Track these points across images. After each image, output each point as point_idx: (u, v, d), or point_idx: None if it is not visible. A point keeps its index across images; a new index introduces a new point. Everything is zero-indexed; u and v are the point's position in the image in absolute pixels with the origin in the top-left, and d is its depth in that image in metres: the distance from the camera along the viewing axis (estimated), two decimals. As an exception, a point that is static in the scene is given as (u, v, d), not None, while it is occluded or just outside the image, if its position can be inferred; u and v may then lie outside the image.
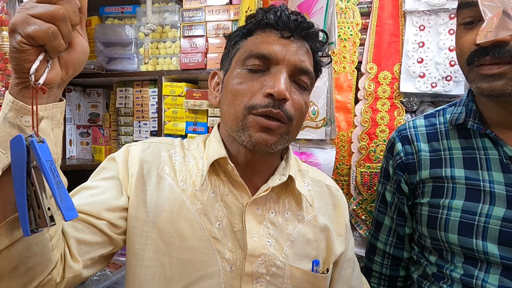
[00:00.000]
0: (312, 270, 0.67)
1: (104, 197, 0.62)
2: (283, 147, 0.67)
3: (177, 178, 0.67)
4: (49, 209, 0.43)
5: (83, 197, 0.62)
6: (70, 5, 0.43)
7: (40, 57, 0.42)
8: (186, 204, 0.64)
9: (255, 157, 0.67)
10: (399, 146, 0.83)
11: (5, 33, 1.10)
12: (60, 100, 0.49)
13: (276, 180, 0.68)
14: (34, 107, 0.43)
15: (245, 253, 0.62)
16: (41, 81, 0.43)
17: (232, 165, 0.65)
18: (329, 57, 0.74)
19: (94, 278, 1.20)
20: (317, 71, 0.72)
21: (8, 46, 1.06)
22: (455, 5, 0.82)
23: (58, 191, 0.42)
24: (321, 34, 0.71)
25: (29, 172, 0.43)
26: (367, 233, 1.16)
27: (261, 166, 0.70)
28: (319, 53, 0.71)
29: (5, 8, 1.09)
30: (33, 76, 0.42)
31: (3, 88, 1.08)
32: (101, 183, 0.65)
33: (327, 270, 0.69)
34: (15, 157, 0.42)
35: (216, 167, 0.68)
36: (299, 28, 0.65)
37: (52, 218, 0.43)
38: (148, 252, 0.62)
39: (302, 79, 0.66)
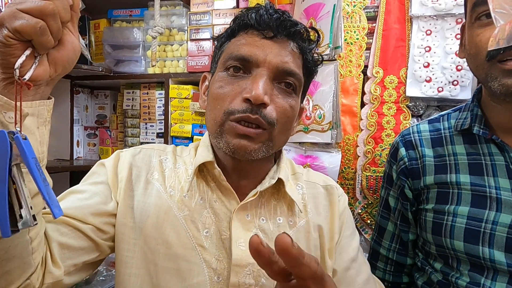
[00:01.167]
0: None
1: (92, 201, 0.61)
2: (267, 154, 0.62)
3: (165, 184, 0.65)
4: (31, 208, 0.41)
5: (71, 200, 0.60)
6: (61, 1, 0.42)
7: (27, 52, 0.41)
8: (173, 210, 0.62)
9: (242, 163, 0.64)
10: (402, 151, 0.83)
11: None
12: (49, 98, 0.48)
13: (265, 184, 0.65)
14: (18, 103, 0.42)
15: (231, 261, 0.59)
16: (26, 76, 0.42)
17: (219, 169, 0.63)
18: (320, 56, 0.69)
19: (100, 278, 1.21)
20: (309, 71, 0.68)
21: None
22: (461, 10, 0.81)
23: (46, 189, 0.41)
24: (312, 32, 0.67)
25: (10, 170, 0.40)
26: (371, 238, 1.15)
27: (250, 171, 0.67)
28: (309, 52, 0.66)
29: None
30: (17, 70, 0.41)
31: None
32: (90, 187, 0.63)
33: None
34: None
35: (204, 172, 0.66)
36: (281, 27, 0.62)
37: (34, 218, 0.41)
38: (136, 260, 0.61)
39: (287, 81, 0.62)
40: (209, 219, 0.63)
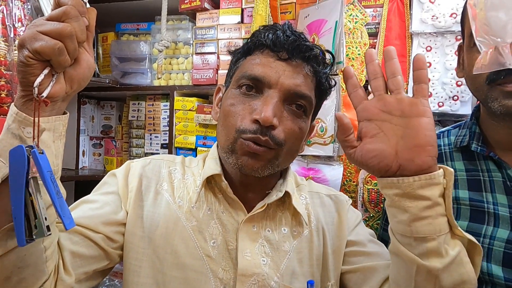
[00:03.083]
0: None
1: (103, 211, 0.62)
2: (273, 171, 0.64)
3: (174, 195, 0.67)
4: (45, 218, 0.43)
5: (83, 210, 0.62)
6: (78, 23, 0.44)
7: (45, 71, 0.44)
8: (182, 220, 0.64)
9: (249, 177, 0.65)
10: (404, 166, 0.84)
11: None
12: (64, 113, 0.50)
13: (272, 196, 0.66)
14: (36, 118, 0.44)
15: (237, 271, 0.61)
16: (44, 94, 0.44)
17: (226, 182, 0.65)
18: (334, 81, 0.71)
19: (103, 288, 1.22)
20: (322, 93, 0.69)
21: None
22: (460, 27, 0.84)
23: (59, 201, 0.43)
24: (327, 56, 0.69)
25: (27, 182, 0.43)
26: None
27: (257, 185, 0.68)
28: (324, 75, 0.66)
29: (28, 26, 1.14)
30: (36, 89, 0.44)
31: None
32: (101, 197, 0.65)
33: None
34: (14, 167, 0.43)
35: (212, 184, 0.68)
36: (296, 50, 0.62)
37: (48, 228, 0.43)
38: (144, 269, 0.62)
39: (298, 103, 0.63)
40: (216, 229, 0.64)
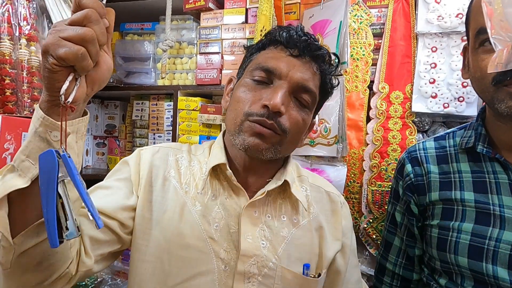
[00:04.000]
0: (303, 274, 0.70)
1: (117, 196, 0.67)
2: (275, 156, 0.69)
3: (181, 181, 0.72)
4: (75, 220, 0.46)
5: (99, 196, 0.66)
6: (99, 26, 0.45)
7: (70, 77, 0.45)
8: (188, 205, 0.69)
9: (253, 162, 0.71)
10: (409, 167, 0.84)
11: (33, 48, 1.16)
12: (84, 114, 0.52)
13: (272, 184, 0.71)
14: (63, 124, 0.46)
15: (238, 253, 0.66)
16: (70, 99, 0.45)
17: (230, 171, 0.70)
18: (337, 80, 0.77)
19: (106, 287, 1.22)
20: (325, 92, 0.75)
21: (35, 60, 1.11)
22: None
23: (89, 201, 0.45)
24: (333, 57, 0.75)
25: (56, 185, 0.44)
26: (377, 253, 1.15)
27: (259, 170, 0.73)
28: (328, 75, 0.73)
29: (34, 25, 1.15)
30: (63, 96, 0.45)
31: (29, 100, 1.13)
32: (115, 183, 0.70)
33: (319, 275, 0.71)
34: (44, 171, 0.44)
35: (218, 172, 0.72)
36: (307, 49, 0.69)
37: (78, 229, 0.46)
38: (150, 249, 0.67)
39: (303, 96, 0.69)
40: (220, 214, 0.69)
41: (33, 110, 1.12)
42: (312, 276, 0.71)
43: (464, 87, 1.10)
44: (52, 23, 1.20)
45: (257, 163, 0.72)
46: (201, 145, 0.80)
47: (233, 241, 0.67)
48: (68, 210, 0.45)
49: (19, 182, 0.47)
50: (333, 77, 0.75)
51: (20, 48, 1.12)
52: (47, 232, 0.44)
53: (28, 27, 1.13)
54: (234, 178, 0.70)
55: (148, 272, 0.67)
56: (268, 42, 0.72)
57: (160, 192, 0.70)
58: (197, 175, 0.73)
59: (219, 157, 0.71)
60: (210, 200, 0.70)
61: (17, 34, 1.12)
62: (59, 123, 0.47)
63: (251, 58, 0.74)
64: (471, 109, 1.10)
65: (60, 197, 0.45)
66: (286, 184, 0.72)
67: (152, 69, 1.51)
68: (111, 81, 1.48)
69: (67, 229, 0.45)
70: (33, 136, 0.47)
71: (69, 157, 0.46)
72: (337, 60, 0.76)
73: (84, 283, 1.16)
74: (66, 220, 0.45)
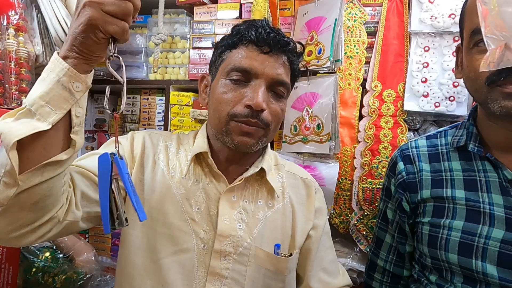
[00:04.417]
0: (274, 253, 0.76)
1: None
2: (261, 147, 0.78)
3: (168, 166, 0.78)
4: (124, 212, 0.54)
5: (94, 160, 0.68)
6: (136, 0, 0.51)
7: (111, 47, 0.53)
8: (173, 188, 0.76)
9: (235, 153, 0.78)
10: (401, 165, 0.85)
11: (21, 39, 1.13)
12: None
13: (250, 172, 0.78)
14: (115, 132, 0.58)
15: (216, 233, 0.73)
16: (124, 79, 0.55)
17: (211, 159, 0.77)
18: (304, 67, 0.85)
19: (95, 283, 1.20)
20: (294, 78, 0.82)
21: (23, 51, 1.08)
22: (458, 28, 0.84)
23: (135, 198, 0.53)
24: (299, 46, 0.81)
25: (110, 182, 0.54)
26: (368, 249, 1.16)
27: (239, 159, 0.80)
28: (297, 64, 0.81)
29: (23, 15, 1.12)
30: (112, 112, 0.56)
31: (17, 92, 1.10)
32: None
33: (291, 254, 0.78)
34: (101, 170, 0.54)
35: (201, 159, 0.79)
36: (277, 45, 0.74)
37: (126, 220, 0.54)
38: (138, 224, 0.73)
39: (279, 89, 0.76)
40: (201, 198, 0.76)
41: (21, 102, 1.09)
42: (283, 255, 0.77)
43: (455, 86, 1.12)
44: (41, 13, 1.17)
45: (238, 154, 0.78)
46: (187, 135, 0.86)
47: (212, 223, 0.74)
48: (119, 204, 0.54)
49: (41, 125, 0.51)
50: (314, 66, 0.85)
51: (8, 39, 1.09)
52: (102, 220, 0.53)
53: (17, 16, 1.10)
54: (215, 165, 0.76)
55: (136, 246, 0.73)
56: (238, 41, 0.76)
57: (150, 174, 0.76)
58: (183, 161, 0.79)
59: (201, 146, 0.78)
60: (193, 185, 0.76)
61: (4, 24, 1.08)
62: (83, 75, 0.53)
63: (222, 56, 0.78)
64: (461, 109, 1.12)
65: (113, 192, 0.54)
66: (263, 171, 0.79)
67: (144, 63, 1.48)
68: (101, 74, 1.45)
69: (117, 219, 0.54)
70: (56, 84, 0.52)
71: (121, 158, 0.55)
72: (302, 48, 0.83)
73: (73, 278, 1.15)
74: (117, 211, 0.53)
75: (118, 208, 0.53)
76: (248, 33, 0.74)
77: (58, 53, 0.54)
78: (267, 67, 0.73)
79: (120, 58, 0.55)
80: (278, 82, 0.74)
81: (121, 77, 0.55)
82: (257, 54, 0.73)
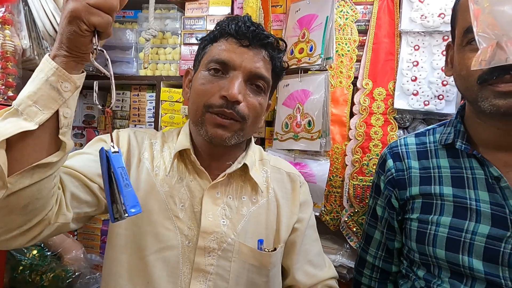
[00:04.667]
0: (258, 248, 0.77)
1: (98, 164, 0.70)
2: (239, 141, 0.76)
3: (153, 164, 0.78)
4: (123, 204, 0.55)
5: (81, 159, 0.70)
6: None
7: (94, 40, 0.52)
8: (157, 186, 0.76)
9: (217, 148, 0.78)
10: (390, 162, 0.85)
11: (8, 32, 1.10)
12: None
13: (233, 168, 0.78)
14: (109, 127, 0.58)
15: (200, 230, 0.73)
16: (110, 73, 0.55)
17: (194, 156, 0.76)
18: (286, 63, 0.83)
19: (84, 281, 1.19)
20: (277, 74, 0.81)
21: (10, 45, 1.05)
22: (448, 28, 0.85)
23: (125, 192, 0.54)
24: (281, 43, 0.81)
25: (110, 176, 0.55)
26: (358, 245, 1.18)
27: (222, 155, 0.79)
28: (278, 60, 0.79)
29: (9, 8, 1.09)
30: (105, 108, 0.57)
31: (4, 87, 1.08)
32: (95, 152, 0.71)
33: (275, 249, 0.78)
34: (102, 165, 0.57)
35: (184, 156, 0.79)
36: (256, 38, 0.74)
37: (124, 212, 0.55)
38: (124, 223, 0.72)
39: (257, 83, 0.75)
40: (185, 195, 0.76)
41: (8, 97, 1.07)
42: (267, 250, 0.77)
43: (444, 85, 1.13)
44: (28, 6, 1.15)
45: (220, 149, 0.78)
46: (171, 132, 0.85)
47: (196, 220, 0.74)
48: (118, 197, 0.54)
49: (28, 125, 0.50)
50: (282, 60, 0.81)
51: (-5, 33, 1.07)
52: (108, 210, 0.55)
53: (3, 9, 1.08)
54: (198, 162, 0.76)
55: (122, 243, 0.73)
56: (219, 35, 0.76)
57: (135, 172, 0.76)
58: (167, 159, 0.79)
59: (184, 143, 0.77)
60: (177, 183, 0.76)
61: (-9, 17, 1.06)
62: (72, 75, 0.52)
63: (204, 50, 0.78)
64: (450, 107, 1.13)
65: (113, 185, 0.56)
66: (246, 167, 0.79)
67: (134, 59, 1.47)
68: (90, 69, 1.43)
69: (117, 211, 0.55)
70: (44, 84, 0.51)
71: (117, 152, 0.57)
72: (284, 45, 0.82)
73: (62, 276, 1.13)
74: (117, 204, 0.55)
75: (115, 200, 0.55)
76: (228, 27, 0.74)
77: (49, 54, 0.54)
78: (245, 60, 0.73)
79: (104, 51, 0.55)
80: (256, 76, 0.74)
81: (108, 71, 0.55)
82: (237, 47, 0.73)
